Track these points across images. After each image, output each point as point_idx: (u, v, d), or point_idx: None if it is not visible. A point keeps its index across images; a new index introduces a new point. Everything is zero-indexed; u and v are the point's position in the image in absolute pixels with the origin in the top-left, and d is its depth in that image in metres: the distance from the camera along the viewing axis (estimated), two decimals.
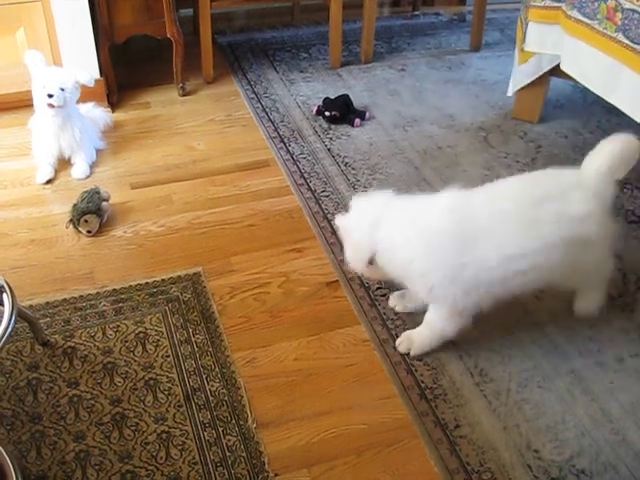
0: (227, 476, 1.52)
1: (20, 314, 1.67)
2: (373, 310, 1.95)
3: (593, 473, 1.54)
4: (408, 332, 1.83)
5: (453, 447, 1.59)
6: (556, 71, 2.61)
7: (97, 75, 2.76)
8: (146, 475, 1.52)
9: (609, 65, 2.13)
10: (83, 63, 2.66)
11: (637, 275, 2.07)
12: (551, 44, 2.49)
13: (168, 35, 2.89)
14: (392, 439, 1.61)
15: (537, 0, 2.47)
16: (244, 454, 1.57)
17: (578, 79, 2.33)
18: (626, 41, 2.05)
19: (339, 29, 3.20)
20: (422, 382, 1.74)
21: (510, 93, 2.81)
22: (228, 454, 1.57)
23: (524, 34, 2.60)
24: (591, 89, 2.27)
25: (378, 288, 2.02)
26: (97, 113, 2.68)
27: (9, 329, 1.51)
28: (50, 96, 2.34)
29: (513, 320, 1.92)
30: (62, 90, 2.35)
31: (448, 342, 1.84)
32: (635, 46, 2.02)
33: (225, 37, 3.56)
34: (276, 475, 1.53)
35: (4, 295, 1.58)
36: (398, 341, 1.83)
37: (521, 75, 2.72)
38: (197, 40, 3.09)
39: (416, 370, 1.77)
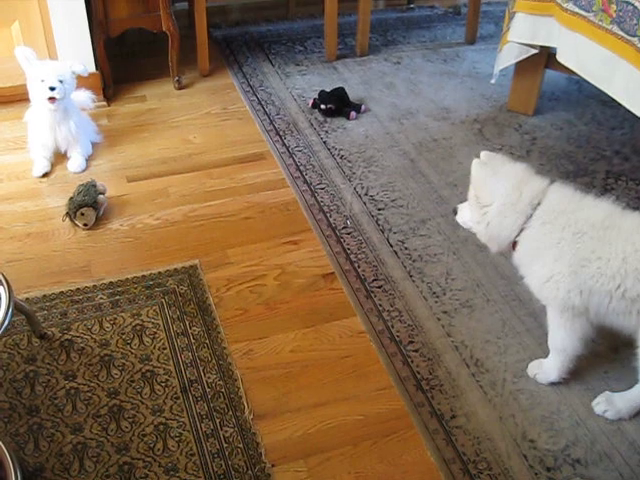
0: (224, 467, 1.53)
1: (17, 307, 1.67)
2: (369, 302, 1.96)
3: (588, 462, 1.56)
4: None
5: (449, 437, 1.60)
6: (551, 63, 2.61)
7: (93, 69, 2.76)
8: (143, 466, 1.53)
9: (606, 57, 2.13)
10: (79, 57, 2.64)
11: None
12: (544, 36, 2.49)
13: (164, 29, 2.88)
14: (388, 430, 1.62)
15: None
16: (241, 445, 1.58)
17: (576, 71, 2.33)
18: (621, 33, 2.05)
19: (334, 22, 3.20)
20: (418, 373, 1.75)
21: (493, 80, 2.80)
22: (225, 445, 1.58)
23: (509, 25, 2.60)
24: (589, 81, 2.27)
25: (374, 280, 2.03)
26: (82, 96, 2.64)
27: (6, 322, 1.52)
28: (52, 89, 2.33)
29: (508, 311, 1.93)
30: (61, 82, 2.35)
31: (443, 332, 1.86)
32: (630, 38, 2.03)
33: (220, 31, 3.56)
34: (273, 466, 1.54)
35: (1, 288, 1.59)
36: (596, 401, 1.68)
37: (500, 60, 2.72)
38: (193, 34, 3.08)
39: (412, 361, 1.78)
